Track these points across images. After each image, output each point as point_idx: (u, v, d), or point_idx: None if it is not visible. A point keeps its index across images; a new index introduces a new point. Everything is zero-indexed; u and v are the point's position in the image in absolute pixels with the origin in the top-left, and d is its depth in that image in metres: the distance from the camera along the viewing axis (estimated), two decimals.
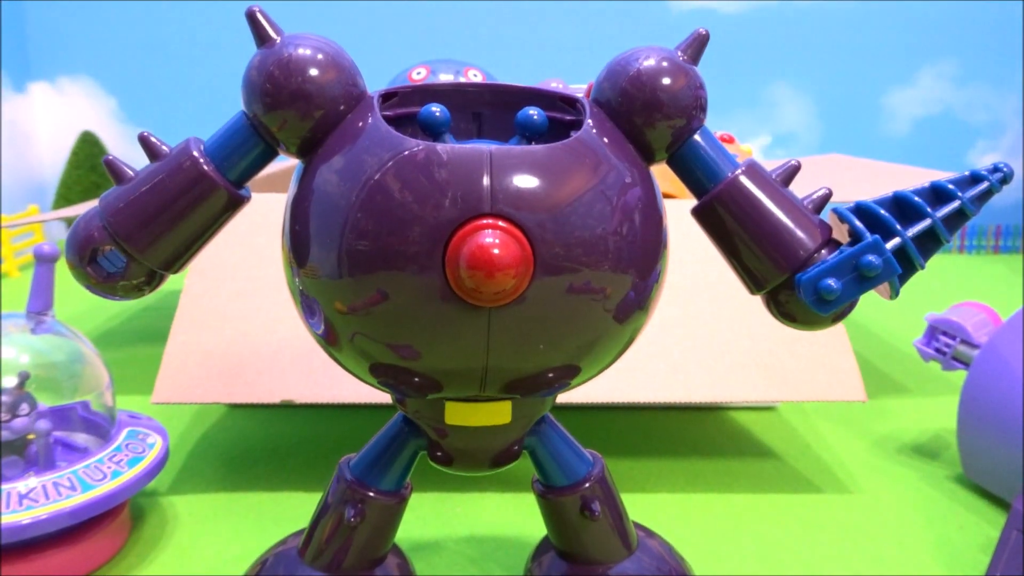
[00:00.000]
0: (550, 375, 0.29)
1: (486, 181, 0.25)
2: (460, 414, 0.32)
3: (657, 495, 0.51)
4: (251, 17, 0.28)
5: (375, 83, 0.97)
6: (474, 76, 0.87)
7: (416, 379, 0.29)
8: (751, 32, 1.44)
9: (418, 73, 0.87)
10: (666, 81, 0.29)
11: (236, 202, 0.29)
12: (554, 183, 0.26)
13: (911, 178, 0.78)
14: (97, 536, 0.41)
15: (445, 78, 0.86)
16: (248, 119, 0.28)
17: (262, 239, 0.54)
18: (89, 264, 0.29)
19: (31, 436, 0.41)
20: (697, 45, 0.30)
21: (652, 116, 0.29)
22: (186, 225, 0.29)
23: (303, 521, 0.36)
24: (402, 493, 0.35)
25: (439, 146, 0.26)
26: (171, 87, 1.40)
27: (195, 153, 0.28)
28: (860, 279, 0.27)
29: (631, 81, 0.29)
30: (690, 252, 0.55)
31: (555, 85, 0.71)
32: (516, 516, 0.47)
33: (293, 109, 0.27)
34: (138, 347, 0.85)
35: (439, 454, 0.34)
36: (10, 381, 0.40)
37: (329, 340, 0.29)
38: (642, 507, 0.49)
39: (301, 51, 0.28)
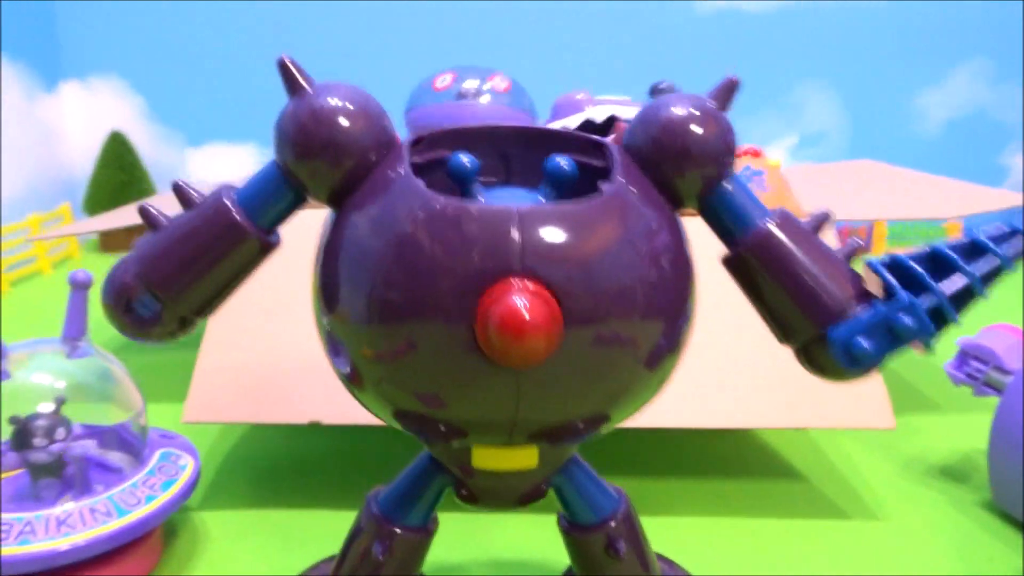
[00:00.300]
0: (580, 424, 0.29)
1: (516, 240, 0.25)
2: (487, 458, 0.32)
3: (681, 519, 0.51)
4: (282, 67, 0.28)
5: (401, 89, 0.96)
6: (500, 82, 0.86)
7: (441, 427, 0.29)
8: (778, 31, 1.42)
9: (443, 80, 0.87)
10: (697, 130, 0.28)
11: (266, 248, 0.29)
12: (583, 241, 0.26)
13: (943, 189, 0.77)
14: (132, 556, 0.42)
15: (470, 84, 0.86)
16: (279, 168, 0.29)
17: (292, 257, 0.54)
18: (125, 312, 0.29)
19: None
20: (727, 92, 0.30)
21: (683, 165, 0.28)
22: (218, 273, 0.29)
23: (330, 540, 0.37)
24: (428, 528, 0.36)
25: (469, 205, 0.26)
26: (198, 85, 1.42)
27: (226, 202, 0.29)
28: (893, 339, 0.27)
29: (662, 130, 0.28)
30: (715, 274, 0.55)
31: (580, 97, 0.71)
32: (540, 540, 0.48)
33: (323, 159, 0.28)
34: (167, 353, 0.86)
35: (464, 492, 0.34)
36: (47, 406, 0.41)
37: (353, 382, 0.29)
38: (666, 532, 0.49)
39: (332, 101, 0.28)
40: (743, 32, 1.41)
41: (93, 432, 0.45)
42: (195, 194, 0.29)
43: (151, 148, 1.43)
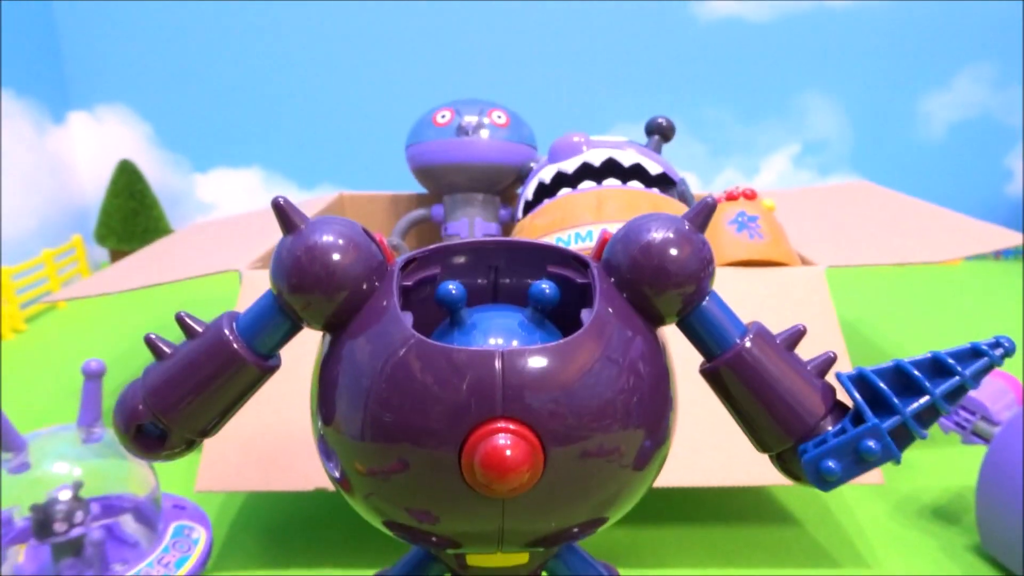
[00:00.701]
0: (574, 530, 0.30)
1: (498, 384, 0.27)
2: (480, 559, 0.34)
3: (671, 570, 0.52)
4: (277, 207, 0.30)
5: (403, 123, 0.98)
6: (498, 117, 0.88)
7: (433, 538, 0.31)
8: (779, 39, 1.42)
9: (443, 116, 0.88)
10: (674, 252, 0.30)
11: (265, 373, 0.31)
12: (564, 376, 0.27)
13: (938, 220, 0.78)
14: None
15: (469, 119, 0.87)
16: (276, 298, 0.30)
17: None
18: (135, 436, 0.31)
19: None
20: (705, 214, 0.31)
21: (662, 284, 0.30)
22: (219, 399, 0.31)
23: None
24: None
25: (452, 349, 0.27)
26: (203, 111, 1.43)
27: (227, 332, 0.30)
28: (859, 461, 0.28)
29: (641, 251, 0.30)
30: None
31: (577, 139, 0.72)
32: None
33: (318, 292, 0.29)
34: None
35: None
36: (65, 492, 0.43)
37: (344, 488, 0.31)
38: None
39: (325, 238, 0.29)
40: (745, 41, 1.42)
41: (110, 508, 0.47)
42: (196, 326, 0.31)
43: (159, 175, 1.45)
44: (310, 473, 0.51)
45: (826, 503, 0.61)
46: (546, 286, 0.30)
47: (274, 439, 0.52)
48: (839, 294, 0.59)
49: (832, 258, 0.64)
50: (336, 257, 0.29)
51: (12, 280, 1.06)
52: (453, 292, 0.29)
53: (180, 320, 0.31)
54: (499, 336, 0.30)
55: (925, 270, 1.36)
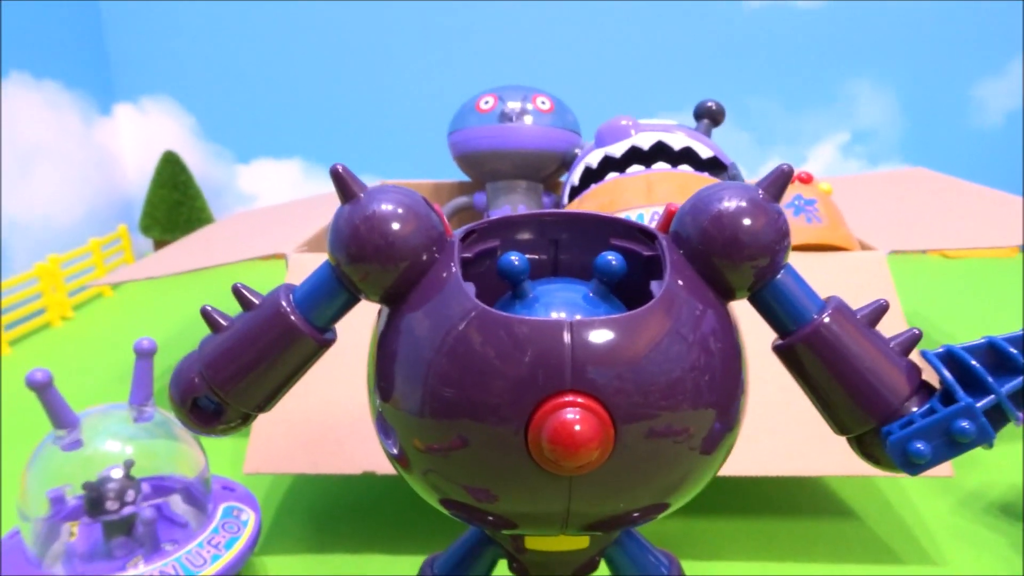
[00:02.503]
0: (635, 514, 0.29)
1: (567, 356, 0.25)
2: (539, 541, 0.32)
3: (728, 563, 0.51)
4: (336, 175, 0.29)
5: (445, 111, 0.97)
6: (542, 103, 0.86)
7: (491, 518, 0.29)
8: (828, 26, 1.38)
9: (486, 102, 0.87)
10: (747, 222, 0.28)
11: (322, 346, 0.30)
12: (634, 350, 0.26)
13: (1003, 205, 0.74)
14: None
15: (513, 105, 0.86)
16: (333, 270, 0.29)
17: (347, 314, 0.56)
18: (191, 409, 0.30)
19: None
20: (779, 182, 0.29)
21: (734, 256, 0.28)
22: (275, 372, 0.30)
23: None
24: None
25: (519, 319, 0.26)
26: (245, 103, 1.45)
27: (283, 303, 0.30)
28: (951, 443, 0.26)
29: (712, 221, 0.28)
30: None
31: (625, 123, 0.70)
32: None
33: (376, 262, 0.28)
34: None
35: (515, 565, 0.35)
36: (117, 471, 0.43)
37: (402, 464, 0.30)
38: None
39: (384, 207, 0.28)
40: (792, 28, 1.38)
41: (161, 488, 0.47)
42: (253, 298, 0.30)
43: (202, 166, 1.46)
44: (358, 456, 0.50)
45: (887, 497, 0.59)
46: (612, 257, 0.28)
47: (322, 422, 0.52)
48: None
49: (892, 243, 0.62)
50: (395, 226, 0.28)
51: (60, 268, 1.08)
52: (516, 263, 0.28)
53: (236, 292, 0.31)
54: (562, 309, 0.28)
55: (979, 262, 1.31)
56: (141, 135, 1.44)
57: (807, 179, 0.66)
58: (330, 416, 0.52)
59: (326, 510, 0.58)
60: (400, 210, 0.28)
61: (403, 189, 0.30)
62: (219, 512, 0.46)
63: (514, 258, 0.28)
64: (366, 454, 0.50)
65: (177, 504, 0.47)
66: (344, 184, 0.29)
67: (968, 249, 1.32)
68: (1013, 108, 1.41)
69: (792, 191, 0.64)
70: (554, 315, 0.28)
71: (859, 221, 0.71)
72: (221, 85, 1.43)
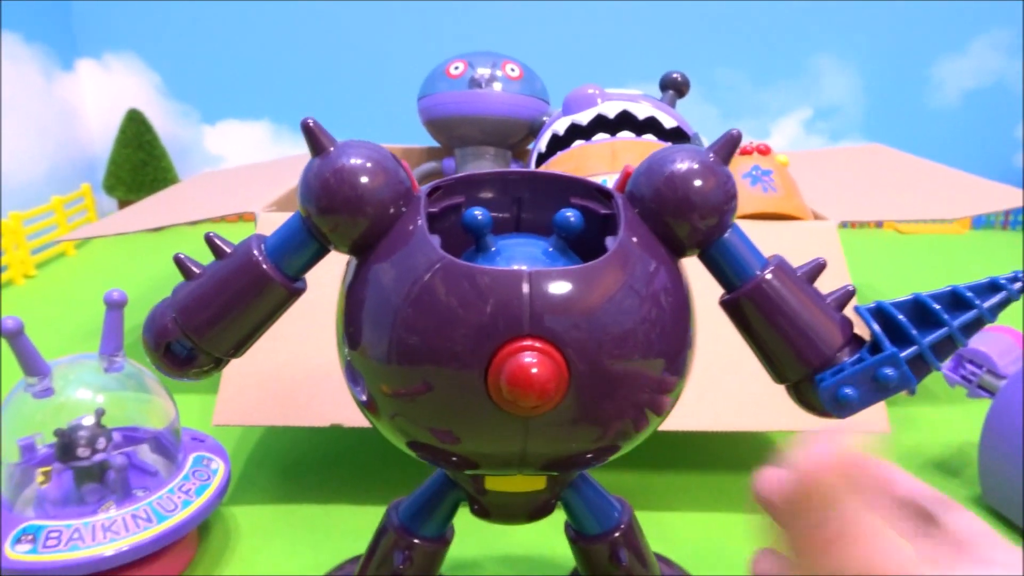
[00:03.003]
0: (588, 455, 0.31)
1: (525, 303, 0.27)
2: (498, 482, 0.34)
3: (680, 514, 0.53)
4: (307, 128, 0.30)
5: (416, 75, 0.96)
6: (511, 70, 0.87)
7: (454, 458, 0.31)
8: (791, 1, 1.40)
9: (456, 68, 0.88)
10: (698, 183, 0.30)
11: (293, 295, 0.32)
12: (588, 299, 0.28)
13: (954, 182, 0.78)
14: (170, 554, 0.45)
15: (483, 72, 0.87)
16: (304, 221, 0.31)
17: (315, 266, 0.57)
18: (164, 354, 0.32)
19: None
20: (729, 146, 0.31)
21: (684, 215, 0.30)
22: (247, 319, 0.31)
23: (353, 535, 0.39)
24: (445, 537, 0.39)
25: (482, 268, 0.28)
26: (212, 62, 1.42)
27: (255, 252, 0.31)
28: (877, 389, 0.29)
29: (666, 182, 0.30)
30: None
31: (592, 92, 0.71)
32: (551, 539, 0.51)
33: (345, 214, 0.29)
34: None
35: (477, 508, 0.37)
36: (88, 419, 0.44)
37: (370, 410, 0.32)
38: (664, 528, 0.52)
39: (353, 160, 0.29)
40: (759, 4, 1.40)
41: (132, 438, 0.48)
42: (225, 247, 0.31)
43: (167, 125, 1.44)
44: (326, 409, 0.52)
45: None
46: (571, 214, 0.30)
47: (291, 375, 0.53)
48: (846, 258, 0.59)
49: (844, 214, 0.64)
50: (364, 180, 0.29)
51: (23, 226, 1.06)
52: (479, 217, 0.30)
53: (209, 240, 0.32)
54: (523, 262, 0.30)
55: (931, 238, 1.36)
56: (104, 92, 1.41)
57: (765, 150, 0.68)
58: (298, 370, 0.53)
59: (294, 462, 0.60)
60: (369, 164, 0.30)
61: (371, 144, 0.31)
62: (189, 461, 0.47)
63: (478, 212, 0.30)
64: (334, 407, 0.52)
65: (147, 453, 0.48)
66: (315, 137, 0.30)
67: (920, 223, 1.36)
68: (970, 88, 1.45)
69: (750, 162, 0.67)
70: (516, 267, 0.29)
71: (814, 193, 0.73)
72: (187, 43, 1.40)
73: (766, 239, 0.58)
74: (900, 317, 0.29)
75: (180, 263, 0.32)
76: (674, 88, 0.75)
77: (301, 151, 0.32)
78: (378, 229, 0.30)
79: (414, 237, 0.29)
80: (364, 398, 0.31)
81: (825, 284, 0.32)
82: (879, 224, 1.39)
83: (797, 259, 0.34)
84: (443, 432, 0.30)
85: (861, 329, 0.31)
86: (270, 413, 0.52)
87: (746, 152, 0.68)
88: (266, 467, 0.59)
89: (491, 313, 0.27)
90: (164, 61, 1.41)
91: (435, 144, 0.94)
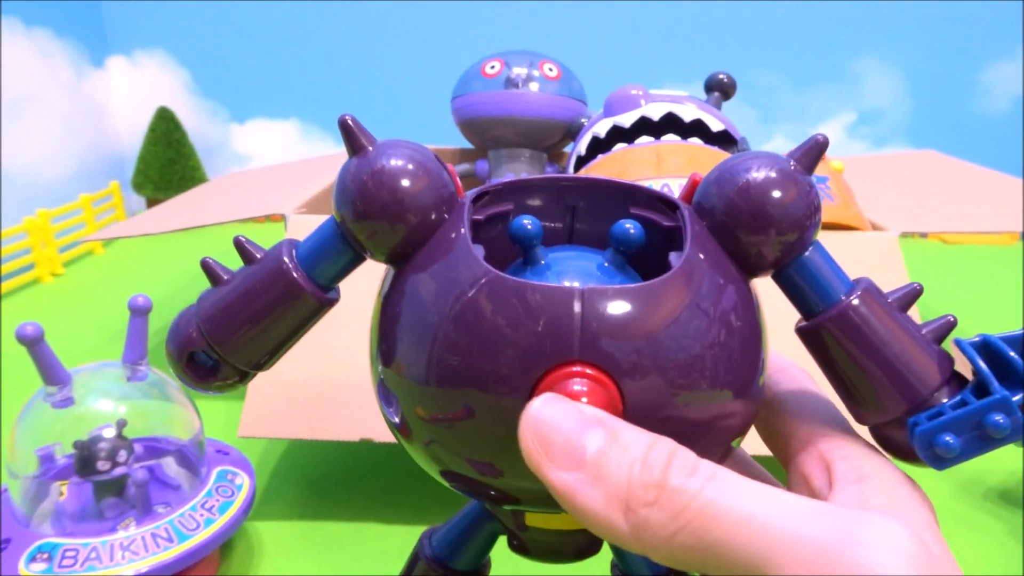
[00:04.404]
0: None
1: (576, 325, 0.24)
2: (541, 519, 0.31)
3: None
4: (344, 126, 0.27)
5: (450, 74, 0.94)
6: (549, 70, 0.84)
7: (492, 492, 0.28)
8: (835, 3, 1.35)
9: (492, 67, 0.85)
10: (776, 193, 0.27)
11: (324, 305, 0.29)
12: (646, 323, 0.24)
13: (1011, 192, 0.74)
14: (190, 572, 0.43)
15: (519, 71, 0.84)
16: (338, 226, 0.28)
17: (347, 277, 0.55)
18: (187, 364, 0.29)
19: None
20: (813, 153, 0.28)
21: (761, 230, 0.27)
22: (275, 330, 0.29)
23: (382, 556, 0.37)
24: (481, 572, 0.36)
25: (530, 285, 0.25)
26: (242, 61, 1.41)
27: (286, 259, 0.28)
28: (983, 437, 0.25)
29: (739, 192, 0.27)
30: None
31: (635, 92, 0.69)
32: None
33: (384, 219, 0.27)
34: None
35: (516, 543, 0.34)
36: (109, 430, 0.42)
37: (403, 434, 0.29)
38: None
39: (393, 162, 0.27)
40: (801, 4, 1.36)
41: (154, 450, 0.46)
42: (255, 252, 0.29)
43: (196, 123, 1.43)
44: (355, 423, 0.49)
45: None
46: (630, 225, 0.27)
47: (319, 387, 0.51)
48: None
49: (903, 224, 0.61)
50: (405, 183, 0.26)
51: (51, 224, 1.05)
52: (528, 227, 0.27)
53: (238, 244, 0.29)
54: (576, 278, 0.27)
55: (979, 249, 1.31)
56: (134, 89, 1.41)
57: None
58: (328, 381, 0.51)
59: (321, 477, 0.57)
60: (410, 166, 0.27)
61: (414, 144, 0.28)
62: (213, 476, 0.45)
63: (527, 222, 0.27)
64: (363, 421, 0.49)
65: (170, 466, 0.46)
66: (353, 136, 0.27)
67: (968, 234, 1.31)
68: (1018, 93, 1.40)
69: None
70: (566, 283, 0.27)
71: (868, 202, 0.69)
72: (217, 41, 1.39)
73: None
74: (1012, 354, 0.26)
75: (207, 268, 0.29)
76: (720, 90, 0.72)
77: (330, 151, 0.29)
78: (418, 237, 0.27)
79: (456, 247, 0.27)
80: (397, 420, 0.28)
81: None
82: (923, 234, 1.34)
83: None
84: (483, 464, 0.27)
85: (961, 365, 0.28)
86: (298, 425, 0.50)
87: None
88: (292, 481, 0.57)
89: (538, 334, 0.24)
90: (194, 59, 1.41)
91: (468, 146, 0.91)
